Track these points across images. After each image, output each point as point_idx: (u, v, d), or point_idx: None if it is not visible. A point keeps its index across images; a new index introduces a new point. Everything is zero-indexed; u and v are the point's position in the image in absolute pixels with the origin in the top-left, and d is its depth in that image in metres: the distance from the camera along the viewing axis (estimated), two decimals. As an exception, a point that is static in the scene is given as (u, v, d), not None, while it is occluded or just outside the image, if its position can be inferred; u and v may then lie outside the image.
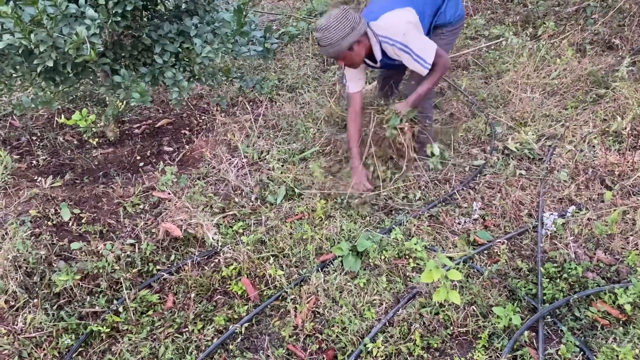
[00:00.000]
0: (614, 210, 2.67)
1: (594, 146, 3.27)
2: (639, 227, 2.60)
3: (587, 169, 3.08)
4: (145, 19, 3.19)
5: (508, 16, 5.35)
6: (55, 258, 2.57)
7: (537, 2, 5.16)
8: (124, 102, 3.48)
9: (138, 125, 3.90)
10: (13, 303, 2.33)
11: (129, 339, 2.20)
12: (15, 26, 2.33)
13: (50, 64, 2.57)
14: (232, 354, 2.15)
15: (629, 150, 3.15)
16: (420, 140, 3.16)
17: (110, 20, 2.64)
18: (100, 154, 3.54)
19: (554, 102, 3.85)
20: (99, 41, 2.51)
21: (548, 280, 2.35)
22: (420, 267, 2.50)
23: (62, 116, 3.23)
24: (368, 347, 2.07)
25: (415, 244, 2.52)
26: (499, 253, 2.55)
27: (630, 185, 2.92)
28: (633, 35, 4.57)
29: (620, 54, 4.40)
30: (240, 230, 2.79)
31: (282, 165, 3.24)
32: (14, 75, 3.07)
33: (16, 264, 2.44)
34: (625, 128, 3.27)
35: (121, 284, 2.43)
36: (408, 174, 3.08)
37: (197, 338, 2.21)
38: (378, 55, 2.80)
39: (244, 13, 2.96)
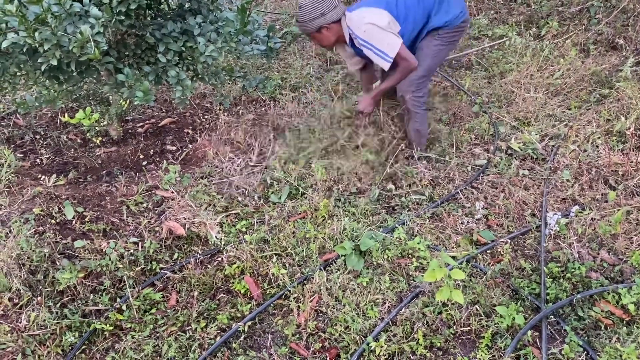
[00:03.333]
0: (618, 210, 2.66)
1: (597, 146, 3.26)
2: (642, 227, 2.60)
3: (591, 168, 3.07)
4: (149, 18, 3.19)
5: (511, 16, 5.34)
6: (58, 256, 2.58)
7: (541, 2, 5.16)
8: (128, 101, 3.48)
9: (141, 124, 3.91)
10: (17, 301, 2.33)
11: (132, 337, 2.20)
12: (20, 25, 2.33)
13: (54, 62, 2.57)
14: (235, 352, 2.15)
15: (633, 151, 3.15)
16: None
17: (114, 19, 2.64)
18: (104, 152, 3.55)
19: (557, 102, 3.84)
20: (103, 40, 2.51)
21: (551, 280, 2.35)
22: (423, 267, 2.50)
23: (66, 115, 3.24)
24: (371, 346, 2.07)
25: (418, 244, 2.51)
26: (502, 253, 2.54)
27: (634, 186, 2.91)
28: (637, 35, 4.56)
29: (624, 54, 4.39)
30: (244, 229, 2.79)
31: (285, 164, 3.24)
32: (18, 73, 3.08)
33: (20, 261, 2.45)
34: (629, 128, 3.26)
35: (124, 282, 2.43)
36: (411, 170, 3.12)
37: (200, 336, 2.21)
38: (348, 42, 3.02)
39: (248, 12, 2.96)
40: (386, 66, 2.93)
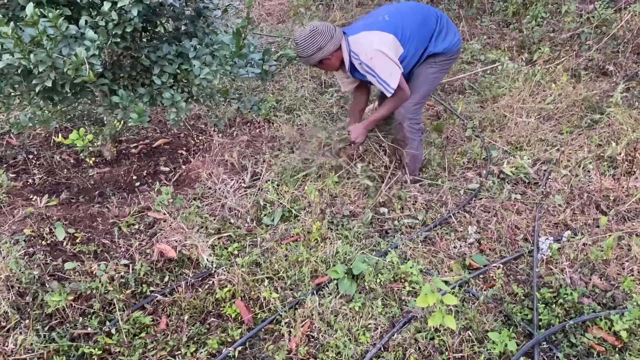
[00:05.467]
0: (610, 235, 2.67)
1: (589, 171, 3.28)
2: (634, 253, 2.60)
3: (583, 193, 3.09)
4: (144, 40, 3.21)
5: (504, 41, 5.42)
6: (48, 278, 2.55)
7: (533, 27, 5.24)
8: (122, 121, 3.49)
9: (135, 144, 3.91)
10: (4, 324, 2.30)
11: (121, 362, 2.17)
12: (15, 46, 2.34)
13: (49, 83, 2.59)
14: (224, 378, 2.12)
15: (624, 176, 3.17)
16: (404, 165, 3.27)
17: (109, 42, 2.66)
18: (97, 173, 3.54)
19: (549, 126, 3.88)
20: (98, 62, 2.53)
21: (544, 305, 2.34)
22: (415, 291, 2.49)
23: (60, 135, 3.23)
24: (362, 373, 2.05)
25: (411, 268, 2.51)
26: (494, 277, 2.54)
27: (625, 211, 2.92)
28: (627, 61, 4.64)
29: (615, 80, 4.45)
30: (235, 252, 2.77)
31: (278, 186, 3.24)
32: (13, 94, 3.08)
33: (8, 283, 2.42)
34: (620, 153, 3.29)
35: (114, 305, 2.40)
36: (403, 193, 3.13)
37: (189, 361, 2.18)
38: (347, 67, 2.99)
39: (243, 36, 2.99)
40: (388, 94, 2.94)
